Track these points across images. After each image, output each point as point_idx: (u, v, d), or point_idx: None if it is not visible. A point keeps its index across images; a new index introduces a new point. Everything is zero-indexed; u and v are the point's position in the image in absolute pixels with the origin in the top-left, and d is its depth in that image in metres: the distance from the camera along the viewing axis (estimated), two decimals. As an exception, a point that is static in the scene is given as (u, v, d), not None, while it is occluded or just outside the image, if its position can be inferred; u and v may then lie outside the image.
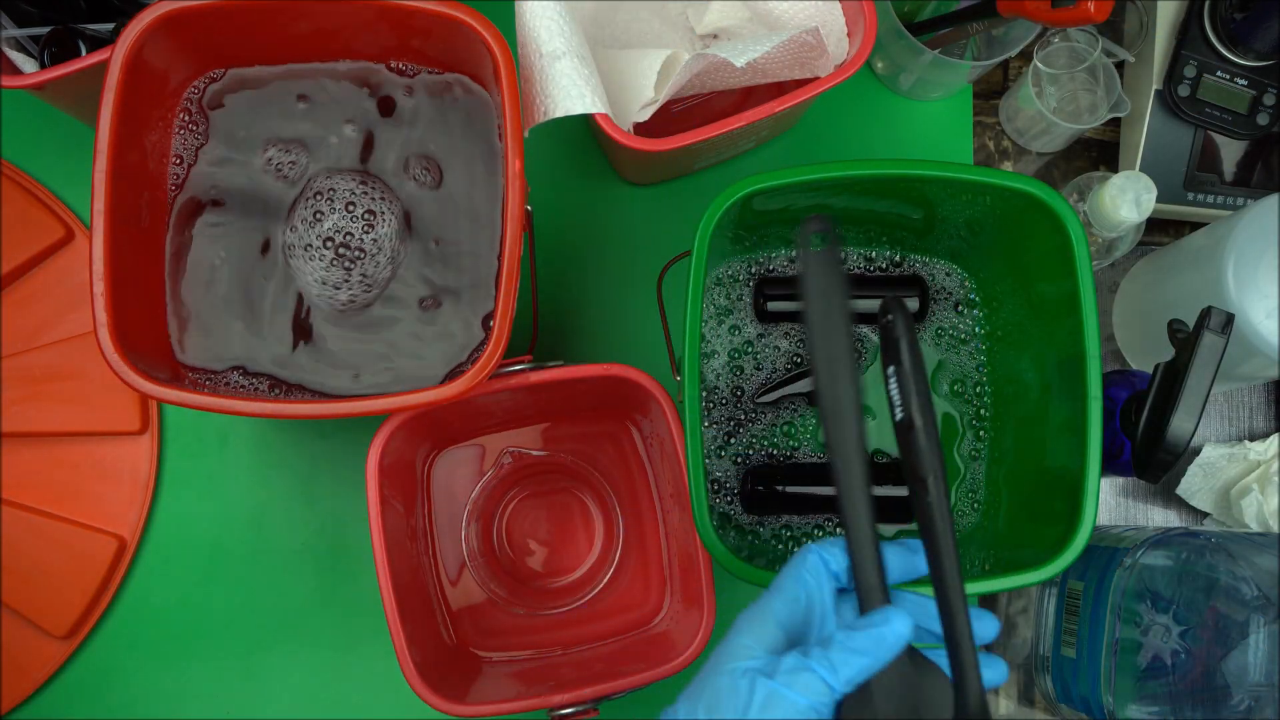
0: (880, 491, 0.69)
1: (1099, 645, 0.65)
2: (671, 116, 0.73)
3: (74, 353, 0.72)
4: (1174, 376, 0.57)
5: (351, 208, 0.61)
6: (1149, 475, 0.58)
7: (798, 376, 0.70)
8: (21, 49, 0.67)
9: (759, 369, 0.71)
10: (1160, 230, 0.80)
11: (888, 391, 0.45)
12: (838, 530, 0.70)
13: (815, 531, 0.70)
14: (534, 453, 0.71)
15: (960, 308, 0.71)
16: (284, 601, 0.73)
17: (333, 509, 0.74)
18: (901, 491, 0.69)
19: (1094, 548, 0.69)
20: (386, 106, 0.63)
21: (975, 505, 0.70)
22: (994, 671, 0.44)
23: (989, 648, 0.76)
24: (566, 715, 0.60)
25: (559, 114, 0.59)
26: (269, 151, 0.62)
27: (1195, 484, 0.76)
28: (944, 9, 0.75)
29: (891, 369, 0.45)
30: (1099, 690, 0.65)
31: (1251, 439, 0.78)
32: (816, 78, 0.64)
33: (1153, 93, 0.76)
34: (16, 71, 0.66)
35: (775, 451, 0.70)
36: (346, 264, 0.61)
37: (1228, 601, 0.64)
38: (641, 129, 0.64)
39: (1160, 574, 0.66)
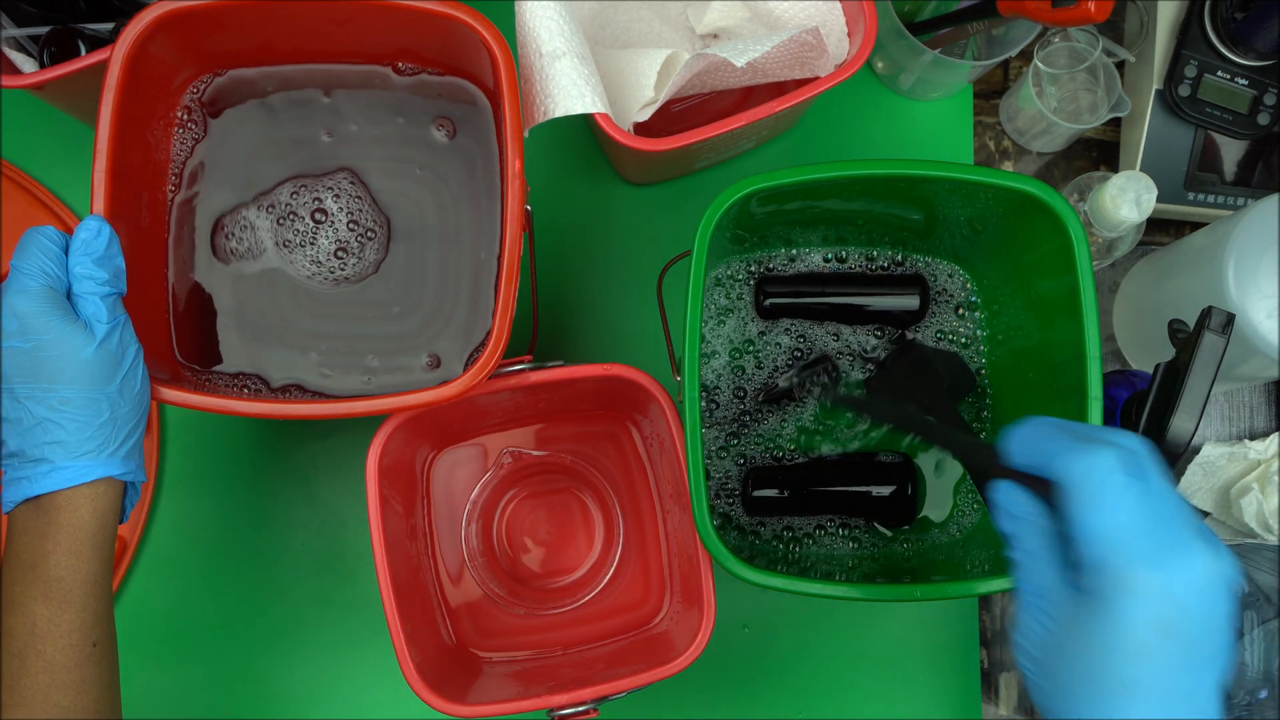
0: (866, 491, 0.69)
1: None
2: (671, 116, 0.73)
3: (74, 353, 0.72)
4: (1174, 376, 0.57)
5: (344, 203, 0.61)
6: (1149, 475, 0.58)
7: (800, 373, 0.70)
8: (21, 49, 0.67)
9: (760, 368, 0.71)
10: (1161, 230, 0.80)
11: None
12: (840, 531, 0.70)
13: (816, 532, 0.70)
14: (534, 453, 0.71)
15: (961, 310, 0.71)
16: (284, 601, 0.73)
17: (333, 509, 0.74)
18: (883, 491, 0.69)
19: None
20: (385, 106, 0.63)
21: (976, 505, 0.70)
22: None
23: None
24: (566, 715, 0.60)
25: (559, 114, 0.59)
26: (269, 150, 0.62)
27: (1195, 483, 0.76)
28: (944, 9, 0.75)
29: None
30: None
31: (1251, 438, 0.78)
32: (816, 77, 0.64)
33: (1153, 92, 0.76)
34: (16, 71, 0.66)
35: (778, 453, 0.70)
36: (335, 250, 0.61)
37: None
38: (641, 129, 0.64)
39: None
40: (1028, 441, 0.42)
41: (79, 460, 0.49)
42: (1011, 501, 0.42)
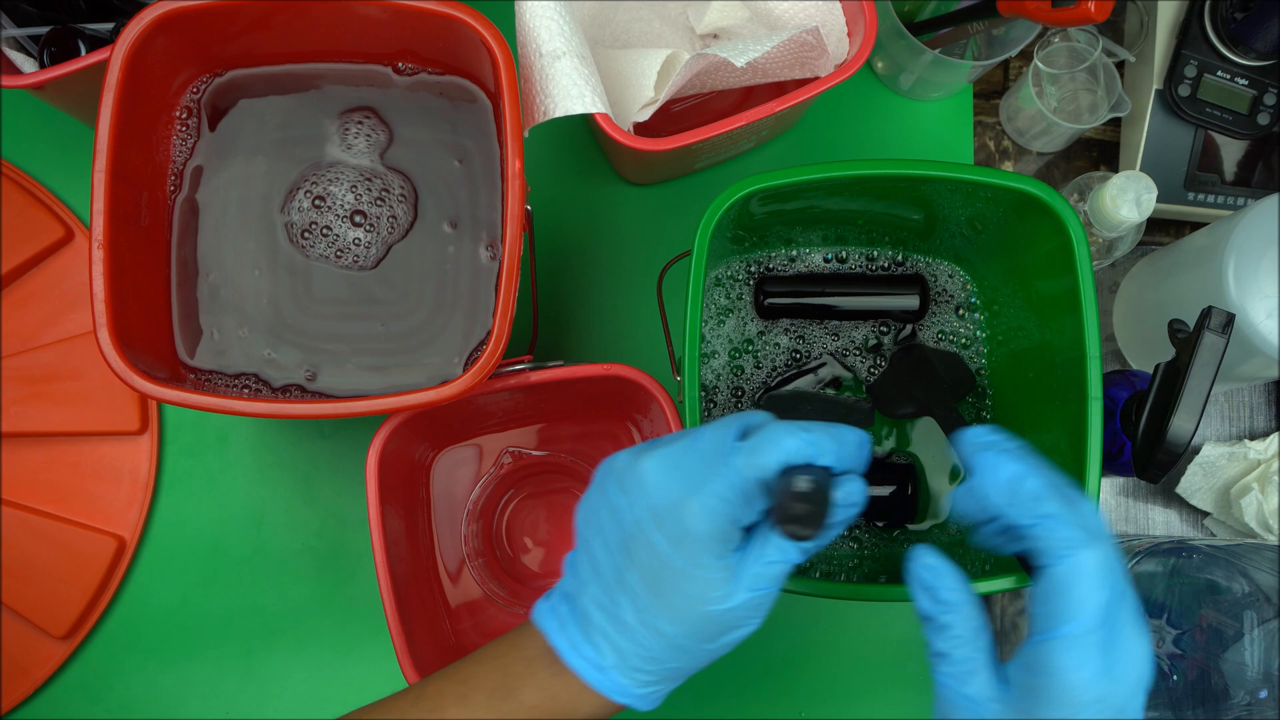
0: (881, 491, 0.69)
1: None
2: (671, 116, 0.73)
3: (74, 353, 0.72)
4: (1174, 376, 0.57)
5: (345, 203, 0.61)
6: (1149, 475, 0.58)
7: (800, 374, 0.70)
8: (21, 49, 0.67)
9: (759, 368, 0.71)
10: (1160, 230, 0.80)
11: None
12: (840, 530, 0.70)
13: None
14: (534, 452, 0.71)
15: (961, 311, 0.71)
16: (284, 601, 0.73)
17: (333, 509, 0.74)
18: (883, 491, 0.69)
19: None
20: (385, 106, 0.63)
21: (975, 505, 0.70)
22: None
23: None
24: (567, 715, 0.60)
25: (559, 114, 0.59)
26: (269, 150, 0.62)
27: (1195, 483, 0.76)
28: (944, 9, 0.75)
29: None
30: None
31: (1251, 438, 0.78)
32: (816, 77, 0.64)
33: (1153, 92, 0.76)
34: (16, 71, 0.66)
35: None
36: (340, 250, 0.61)
37: (1221, 600, 0.64)
38: (641, 129, 0.64)
39: (1152, 580, 0.66)
40: (1008, 485, 0.41)
41: (626, 683, 0.43)
42: (943, 583, 0.41)
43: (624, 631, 0.42)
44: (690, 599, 0.41)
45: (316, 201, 0.61)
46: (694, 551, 0.40)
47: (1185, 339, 0.57)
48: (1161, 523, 0.78)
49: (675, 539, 0.41)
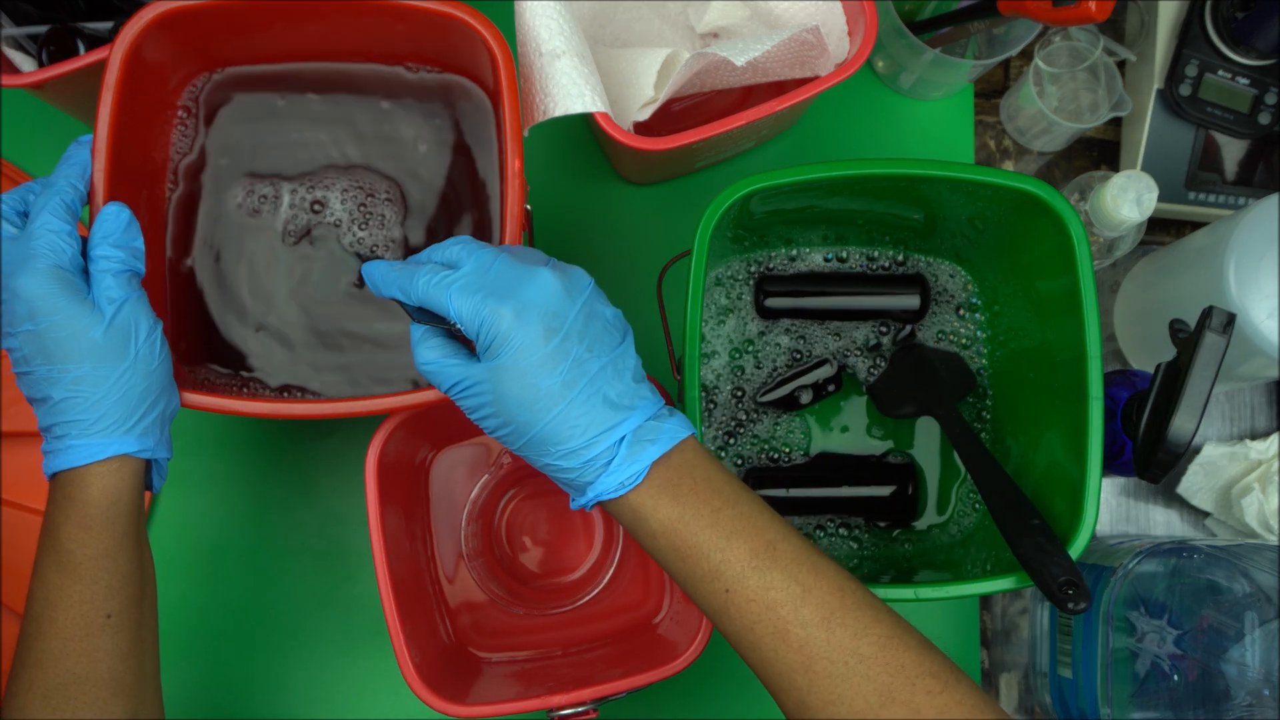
0: (866, 492, 0.69)
1: (1094, 659, 0.65)
2: (671, 116, 0.73)
3: (73, 352, 0.72)
4: (1175, 376, 0.57)
5: (345, 203, 0.61)
6: (1150, 475, 0.58)
7: (800, 373, 0.70)
8: (20, 48, 0.67)
9: (759, 368, 0.71)
10: (1161, 230, 0.80)
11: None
12: (840, 531, 0.70)
13: (816, 532, 0.70)
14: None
15: (962, 311, 0.71)
16: (284, 601, 0.73)
17: (333, 509, 0.74)
18: (883, 491, 0.69)
19: (1082, 565, 0.69)
20: (384, 106, 0.63)
21: (976, 506, 0.70)
22: None
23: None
24: (566, 716, 0.60)
25: (559, 113, 0.59)
26: (267, 151, 0.62)
27: (1196, 483, 0.76)
28: (945, 8, 0.75)
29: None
30: (1097, 704, 0.65)
31: (1252, 438, 0.77)
32: (817, 77, 0.64)
33: (1154, 92, 0.76)
34: (16, 71, 0.66)
35: (775, 454, 0.70)
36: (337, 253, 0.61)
37: (1222, 601, 0.64)
38: (641, 128, 0.64)
39: (1153, 580, 0.66)
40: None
41: (89, 438, 0.50)
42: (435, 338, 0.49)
43: (64, 407, 0.49)
44: (76, 341, 0.49)
45: (315, 205, 0.61)
46: (48, 309, 0.49)
47: (1186, 339, 0.57)
48: (1162, 523, 0.78)
49: (28, 316, 0.49)
